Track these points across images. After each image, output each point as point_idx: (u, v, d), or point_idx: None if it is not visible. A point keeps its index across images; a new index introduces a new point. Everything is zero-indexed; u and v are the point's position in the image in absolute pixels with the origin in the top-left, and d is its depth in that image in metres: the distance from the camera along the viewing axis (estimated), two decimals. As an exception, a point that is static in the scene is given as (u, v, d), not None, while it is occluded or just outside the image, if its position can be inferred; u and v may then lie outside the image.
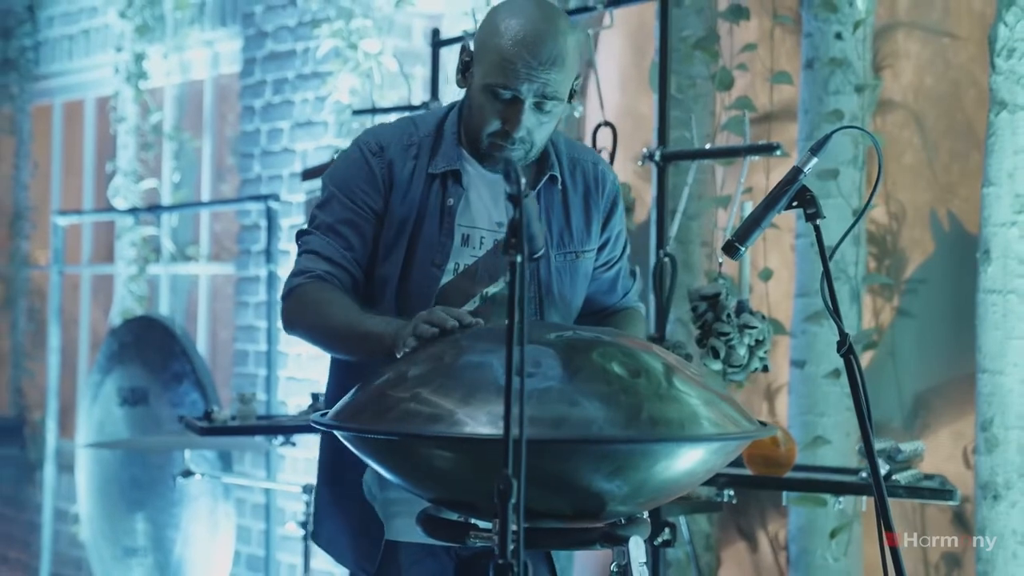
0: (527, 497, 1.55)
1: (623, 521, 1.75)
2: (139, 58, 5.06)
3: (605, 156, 2.88)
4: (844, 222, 2.92)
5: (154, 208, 4.98)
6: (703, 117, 3.29)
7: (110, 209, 5.23)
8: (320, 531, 2.14)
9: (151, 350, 4.31)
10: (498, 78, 1.89)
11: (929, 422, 3.11)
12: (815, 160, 1.88)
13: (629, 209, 2.74)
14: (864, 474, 2.53)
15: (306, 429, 2.95)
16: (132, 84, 5.09)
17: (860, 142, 3.02)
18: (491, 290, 1.99)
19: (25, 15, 5.92)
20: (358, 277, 1.99)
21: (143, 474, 4.33)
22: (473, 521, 1.73)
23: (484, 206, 2.00)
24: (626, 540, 1.70)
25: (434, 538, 1.80)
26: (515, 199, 1.44)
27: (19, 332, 6.07)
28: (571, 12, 2.92)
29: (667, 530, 2.66)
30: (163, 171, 5.24)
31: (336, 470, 2.09)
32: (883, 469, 2.50)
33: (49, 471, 4.96)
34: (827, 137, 1.88)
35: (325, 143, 4.24)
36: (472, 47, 1.96)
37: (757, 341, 2.56)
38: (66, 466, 5.04)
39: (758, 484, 2.69)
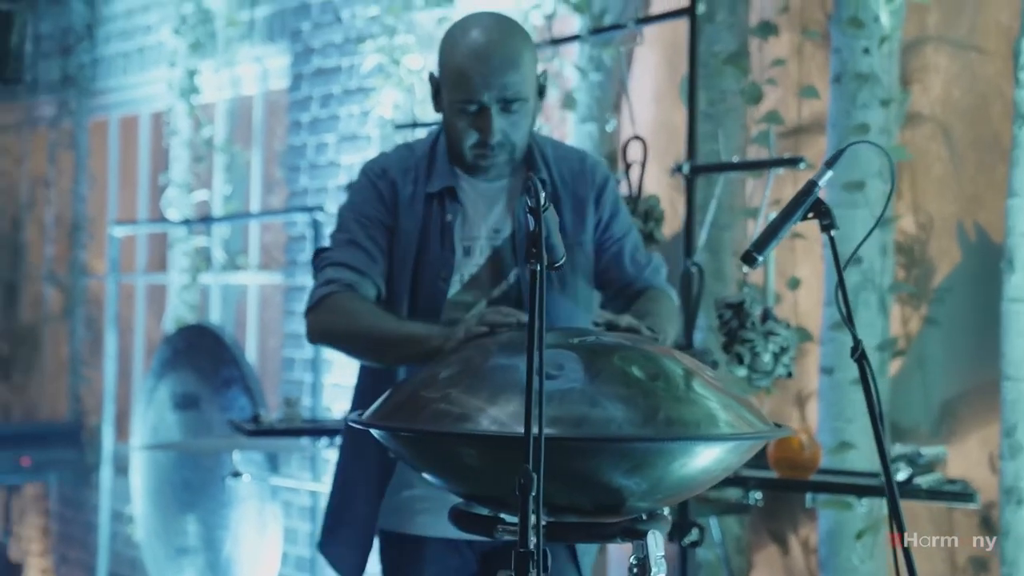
0: (551, 492, 1.66)
1: (644, 517, 1.84)
2: (191, 74, 5.22)
3: (636, 169, 2.98)
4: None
5: (205, 219, 5.14)
6: (735, 130, 3.38)
7: (163, 220, 5.39)
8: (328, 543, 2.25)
9: (202, 357, 4.46)
10: (461, 94, 2.02)
11: (956, 428, 3.17)
12: (830, 173, 1.96)
13: (659, 220, 2.83)
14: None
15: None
16: (185, 99, 5.25)
17: (894, 154, 3.09)
18: (495, 293, 2.10)
19: (84, 33, 6.11)
20: (380, 288, 2.11)
21: (194, 476, 4.48)
22: (502, 515, 1.83)
23: (481, 217, 2.11)
24: (645, 534, 1.80)
25: (465, 532, 1.90)
26: (535, 212, 1.55)
27: (77, 339, 6.25)
28: (603, 29, 3.03)
29: (695, 530, 2.75)
30: (214, 183, 5.40)
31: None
32: (904, 473, 2.58)
33: (106, 473, 5.12)
34: (841, 152, 1.96)
35: (369, 156, 4.37)
36: (437, 74, 2.08)
37: (782, 348, 2.64)
38: (122, 469, 5.20)
39: (783, 486, 2.77)
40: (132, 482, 4.84)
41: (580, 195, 2.16)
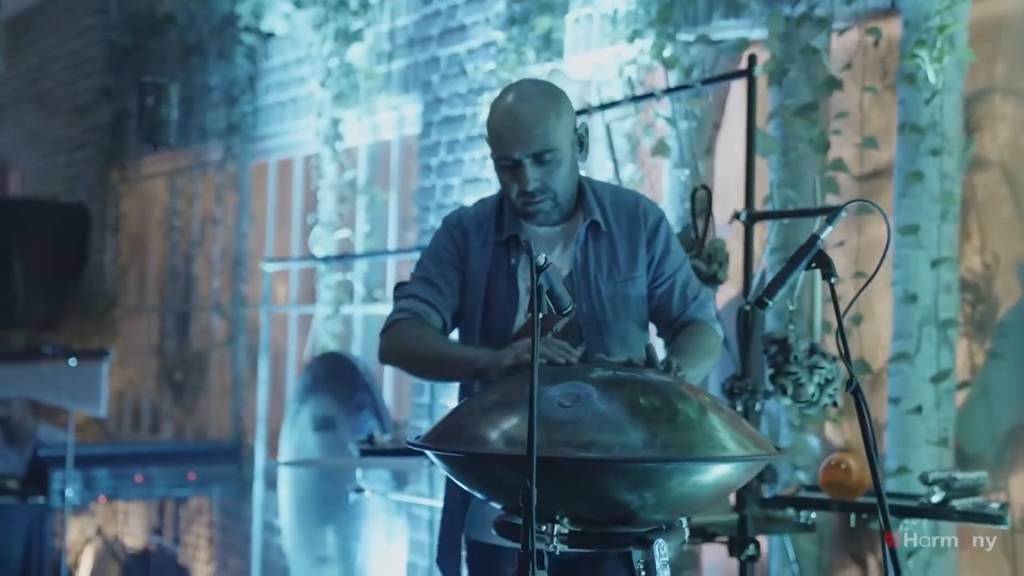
0: (570, 506, 1.98)
1: (664, 527, 2.12)
2: (336, 122, 5.70)
3: (707, 215, 3.24)
4: (924, 273, 3.20)
5: (345, 256, 5.60)
6: (811, 176, 3.62)
7: (310, 257, 5.89)
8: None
9: (339, 383, 4.91)
10: (498, 151, 2.34)
11: (1020, 456, 3.33)
12: (830, 228, 2.22)
13: (722, 263, 3.09)
14: (923, 499, 2.81)
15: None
16: (330, 145, 5.74)
17: (947, 200, 3.27)
18: (558, 326, 2.41)
19: (247, 85, 6.70)
20: (447, 320, 2.46)
21: (332, 491, 4.92)
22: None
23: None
24: (652, 543, 2.08)
25: (505, 539, 2.22)
26: (537, 268, 1.88)
27: (239, 365, 6.81)
28: (673, 89, 3.32)
29: (752, 546, 3.00)
30: (356, 222, 5.86)
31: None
32: (939, 496, 2.78)
33: (258, 488, 5.62)
34: (840, 208, 2.23)
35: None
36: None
37: (826, 380, 2.88)
38: (272, 484, 5.69)
39: (828, 507, 2.99)
40: (280, 496, 5.33)
41: (634, 235, 2.46)
